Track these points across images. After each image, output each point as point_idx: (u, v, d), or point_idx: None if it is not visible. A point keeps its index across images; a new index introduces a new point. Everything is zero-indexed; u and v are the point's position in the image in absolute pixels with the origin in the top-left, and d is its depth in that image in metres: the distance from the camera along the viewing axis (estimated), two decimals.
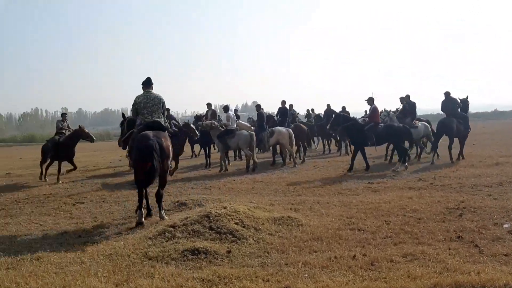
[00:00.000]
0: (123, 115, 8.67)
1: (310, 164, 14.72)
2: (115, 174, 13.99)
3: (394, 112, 15.03)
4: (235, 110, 19.80)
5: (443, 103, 13.84)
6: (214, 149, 18.46)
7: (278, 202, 8.06)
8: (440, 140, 13.63)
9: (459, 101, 13.83)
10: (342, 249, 5.22)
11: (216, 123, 13.87)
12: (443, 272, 4.38)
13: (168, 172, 9.61)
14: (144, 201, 7.34)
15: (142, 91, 7.40)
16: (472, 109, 17.69)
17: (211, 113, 16.51)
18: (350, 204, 7.71)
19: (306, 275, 4.45)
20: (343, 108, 18.88)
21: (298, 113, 20.69)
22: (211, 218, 6.04)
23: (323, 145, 19.92)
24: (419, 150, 14.63)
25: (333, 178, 11.18)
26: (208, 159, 15.28)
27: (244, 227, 5.96)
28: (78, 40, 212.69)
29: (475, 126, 15.30)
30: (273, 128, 14.33)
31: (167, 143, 6.99)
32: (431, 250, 5.05)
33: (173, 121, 13.52)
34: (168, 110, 13.67)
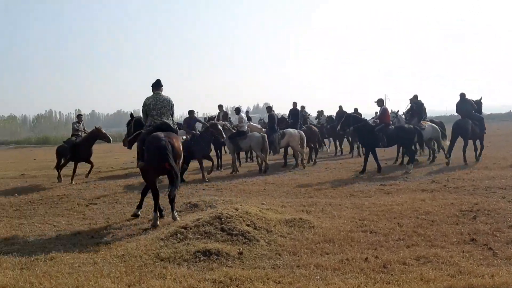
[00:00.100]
0: (131, 114, 8.69)
1: (322, 166, 14.67)
2: (127, 176, 14.08)
3: (402, 113, 14.97)
4: (247, 112, 19.83)
5: (458, 104, 13.69)
6: (225, 152, 18.51)
7: (289, 204, 8.04)
8: (447, 142, 13.54)
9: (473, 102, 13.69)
10: (354, 251, 5.19)
11: (228, 125, 13.90)
12: (457, 275, 4.34)
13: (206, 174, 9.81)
14: (143, 201, 7.62)
15: (151, 93, 7.48)
16: (485, 110, 17.48)
17: (223, 114, 16.54)
18: (362, 206, 7.67)
19: (318, 277, 4.44)
20: (355, 109, 18.79)
21: (309, 114, 20.63)
22: (222, 219, 6.05)
23: (335, 146, 19.81)
24: (431, 152, 14.48)
25: (345, 180, 11.14)
26: (219, 160, 15.34)
27: (255, 228, 5.96)
28: (92, 43, 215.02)
29: (489, 128, 15.08)
30: (284, 130, 14.30)
31: (178, 143, 7.11)
32: (444, 252, 5.00)
33: (198, 122, 13.78)
34: (192, 112, 13.89)
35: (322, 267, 4.70)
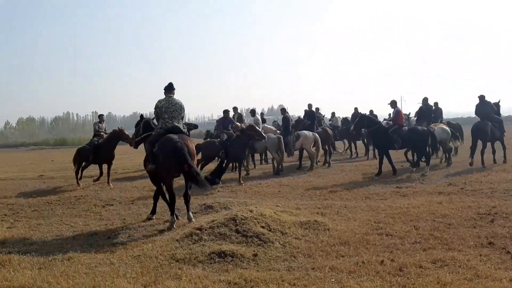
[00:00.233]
0: (141, 116, 8.74)
1: (337, 168, 14.60)
2: (143, 177, 14.18)
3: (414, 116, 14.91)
4: (261, 114, 19.84)
5: (477, 106, 13.51)
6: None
7: (304, 206, 8.02)
8: (457, 143, 13.49)
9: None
10: (369, 254, 5.16)
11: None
12: (474, 279, 4.28)
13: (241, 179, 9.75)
14: (156, 206, 7.73)
15: (163, 96, 7.58)
16: (504, 112, 17.25)
17: (237, 116, 16.57)
18: (378, 209, 7.61)
19: (333, 280, 4.42)
20: (371, 111, 18.66)
21: (324, 116, 20.56)
22: (237, 221, 6.06)
23: (350, 149, 19.66)
24: (446, 155, 14.30)
25: (360, 182, 11.07)
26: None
27: (270, 230, 5.96)
28: (108, 45, 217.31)
29: (508, 130, 14.84)
30: (299, 132, 14.27)
31: (192, 145, 7.23)
32: (462, 256, 4.94)
33: (232, 124, 12.86)
34: (227, 111, 13.09)
35: (337, 270, 4.67)
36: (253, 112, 14.48)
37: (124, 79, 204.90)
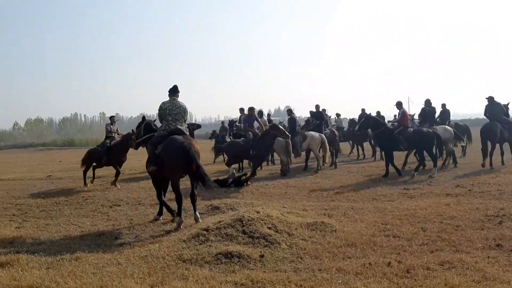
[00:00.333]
0: (143, 117, 8.79)
1: (343, 169, 14.56)
2: (150, 178, 14.19)
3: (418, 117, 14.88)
4: (268, 115, 19.85)
5: (486, 107, 13.44)
6: None
7: (311, 207, 8.02)
8: (461, 145, 13.44)
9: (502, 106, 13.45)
10: (376, 256, 5.14)
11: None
12: (482, 281, 4.26)
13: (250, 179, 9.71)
14: (162, 207, 7.76)
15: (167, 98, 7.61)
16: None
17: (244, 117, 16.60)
18: (385, 210, 7.59)
19: (340, 282, 4.41)
20: (378, 112, 18.60)
21: (330, 117, 20.52)
22: (244, 222, 6.07)
23: (357, 150, 19.61)
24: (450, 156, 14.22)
25: (367, 184, 11.04)
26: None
27: (277, 231, 5.96)
28: (116, 46, 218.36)
29: None
30: (306, 133, 14.26)
31: (197, 146, 7.26)
32: (469, 258, 4.91)
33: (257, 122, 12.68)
34: (252, 109, 12.94)
35: (344, 271, 4.66)
36: (260, 113, 14.50)
37: (132, 80, 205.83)
